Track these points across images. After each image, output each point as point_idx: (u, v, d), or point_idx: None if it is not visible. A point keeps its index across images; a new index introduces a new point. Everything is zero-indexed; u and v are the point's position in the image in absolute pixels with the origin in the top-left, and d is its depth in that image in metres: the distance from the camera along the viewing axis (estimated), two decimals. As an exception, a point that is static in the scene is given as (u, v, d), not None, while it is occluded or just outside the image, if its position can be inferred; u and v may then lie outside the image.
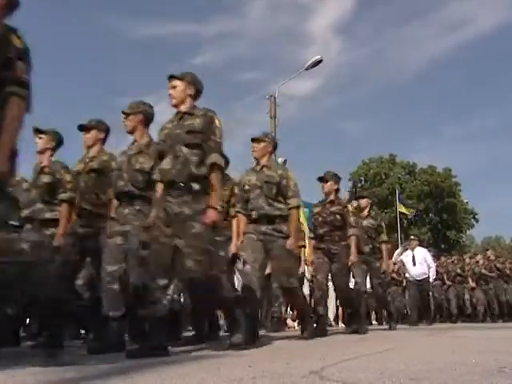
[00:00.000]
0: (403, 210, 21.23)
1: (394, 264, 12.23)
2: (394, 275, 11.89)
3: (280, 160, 13.74)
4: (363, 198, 6.93)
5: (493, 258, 12.65)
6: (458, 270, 12.31)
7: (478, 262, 12.53)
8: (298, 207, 4.19)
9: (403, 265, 10.63)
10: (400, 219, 20.11)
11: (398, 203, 22.05)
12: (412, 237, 11.22)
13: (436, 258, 12.51)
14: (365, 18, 59.99)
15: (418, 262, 9.96)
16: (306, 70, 14.53)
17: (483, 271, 12.19)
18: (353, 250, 5.25)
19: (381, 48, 57.08)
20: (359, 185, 35.06)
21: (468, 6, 57.38)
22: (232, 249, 4.48)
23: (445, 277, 12.09)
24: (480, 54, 57.00)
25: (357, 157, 51.83)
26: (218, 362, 2.53)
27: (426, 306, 10.34)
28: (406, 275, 10.52)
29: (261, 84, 58.35)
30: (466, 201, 33.74)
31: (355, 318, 5.73)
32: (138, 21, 56.12)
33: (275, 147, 4.44)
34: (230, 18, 62.12)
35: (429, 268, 10.03)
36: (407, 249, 10.75)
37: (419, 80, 57.66)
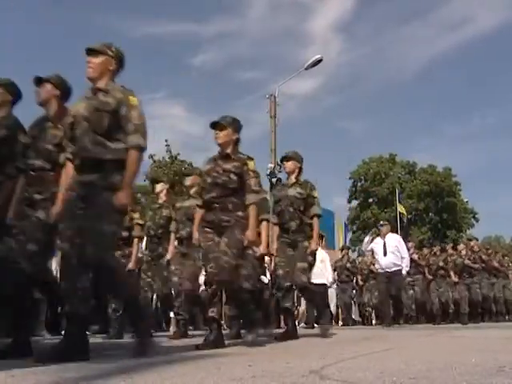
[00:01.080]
0: (402, 210, 21.23)
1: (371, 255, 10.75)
2: (373, 268, 10.55)
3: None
4: (288, 159, 4.96)
5: (477, 248, 11.31)
6: (441, 263, 10.70)
7: (460, 252, 11.03)
8: (140, 149, 2.87)
9: (372, 254, 9.37)
10: (400, 219, 20.09)
11: (397, 203, 22.03)
12: (382, 222, 9.58)
13: (417, 248, 11.40)
14: (365, 18, 59.95)
15: (390, 250, 8.45)
16: (306, 69, 14.53)
17: (466, 262, 10.71)
18: (251, 223, 3.71)
19: (381, 47, 57.03)
20: (359, 184, 35.10)
21: (468, 6, 57.33)
22: (53, 212, 3.09)
23: (426, 271, 10.54)
24: (480, 54, 56.95)
25: (357, 156, 51.82)
26: (218, 361, 2.54)
27: (398, 303, 8.87)
28: (376, 266, 9.12)
29: (261, 83, 58.33)
30: (466, 200, 33.81)
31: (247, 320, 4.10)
32: (137, 20, 56.07)
33: (120, 64, 3.13)
34: (231, 18, 62.04)
35: (402, 258, 8.52)
36: (377, 236, 9.32)
37: (419, 79, 57.62)
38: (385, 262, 8.45)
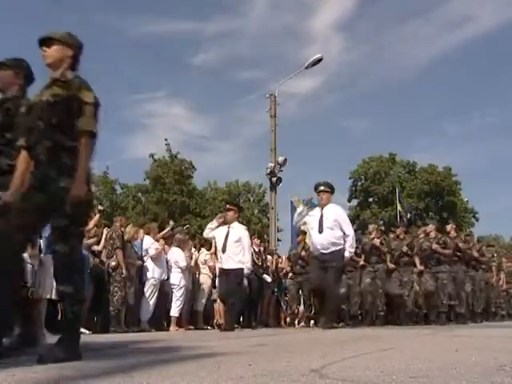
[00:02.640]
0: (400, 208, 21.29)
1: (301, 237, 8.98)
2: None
3: (281, 159, 13.78)
4: (51, 43, 2.84)
5: (454, 234, 9.29)
6: (405, 248, 8.61)
7: (428, 234, 8.85)
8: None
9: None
10: (400, 217, 20.10)
11: (397, 202, 22.07)
12: (322, 187, 6.67)
13: (381, 232, 9.34)
14: (366, 16, 59.96)
15: (328, 226, 6.36)
16: (306, 68, 14.54)
17: (434, 246, 8.52)
18: None
19: (382, 46, 56.99)
20: (359, 183, 35.12)
21: (469, 5, 57.31)
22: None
23: (388, 258, 8.56)
24: (481, 53, 56.90)
25: (357, 155, 51.82)
26: (219, 360, 2.54)
27: (333, 297, 6.47)
28: (310, 246, 7.30)
29: (262, 83, 58.19)
30: (466, 200, 33.86)
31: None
32: (137, 19, 56.01)
33: None
34: (231, 17, 62.04)
35: (344, 236, 6.43)
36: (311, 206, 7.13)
37: (420, 78, 57.60)
38: (319, 241, 6.41)
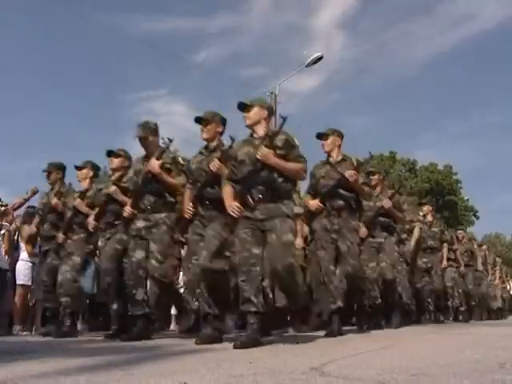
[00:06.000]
0: None
1: None
2: None
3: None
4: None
5: (338, 158, 4.56)
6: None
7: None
8: None
9: None
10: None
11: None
12: None
13: None
14: (369, 13, 59.93)
15: None
16: (307, 66, 14.54)
17: (385, 203, 4.94)
18: None
19: (384, 44, 56.92)
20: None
21: (471, 2, 57.19)
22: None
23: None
24: (483, 50, 56.92)
25: (357, 153, 51.73)
26: (219, 358, 2.53)
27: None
28: None
29: (264, 80, 58.26)
30: (466, 198, 33.84)
31: None
32: (138, 17, 55.89)
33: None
34: (233, 14, 61.85)
35: None
36: None
37: (421, 76, 57.56)
38: None
